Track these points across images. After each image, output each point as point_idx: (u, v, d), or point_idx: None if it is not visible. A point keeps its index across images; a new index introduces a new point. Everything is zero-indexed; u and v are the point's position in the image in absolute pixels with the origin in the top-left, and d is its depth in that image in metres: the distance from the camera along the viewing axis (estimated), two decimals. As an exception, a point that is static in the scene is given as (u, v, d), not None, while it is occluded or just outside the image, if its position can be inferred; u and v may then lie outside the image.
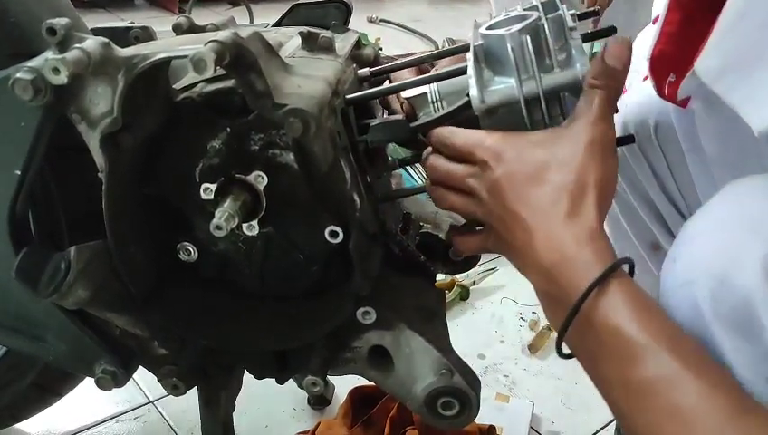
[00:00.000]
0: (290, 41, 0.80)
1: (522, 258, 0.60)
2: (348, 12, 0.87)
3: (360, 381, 0.84)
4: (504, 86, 0.63)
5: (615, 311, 0.52)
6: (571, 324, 0.53)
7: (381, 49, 2.52)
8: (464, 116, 0.67)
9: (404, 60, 0.78)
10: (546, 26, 0.63)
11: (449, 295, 1.59)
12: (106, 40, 0.64)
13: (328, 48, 0.76)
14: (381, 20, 3.81)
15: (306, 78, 0.68)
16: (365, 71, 0.79)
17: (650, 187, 0.91)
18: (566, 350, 0.57)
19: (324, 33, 0.76)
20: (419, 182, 1.81)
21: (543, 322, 1.53)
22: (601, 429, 1.29)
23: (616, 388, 0.52)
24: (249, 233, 0.71)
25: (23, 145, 0.68)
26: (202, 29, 0.82)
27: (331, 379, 1.28)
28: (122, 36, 0.78)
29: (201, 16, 0.89)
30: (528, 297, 1.63)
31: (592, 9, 0.73)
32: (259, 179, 0.68)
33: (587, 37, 0.67)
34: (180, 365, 0.79)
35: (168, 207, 0.74)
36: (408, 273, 0.80)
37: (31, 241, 0.75)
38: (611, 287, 0.52)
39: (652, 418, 0.49)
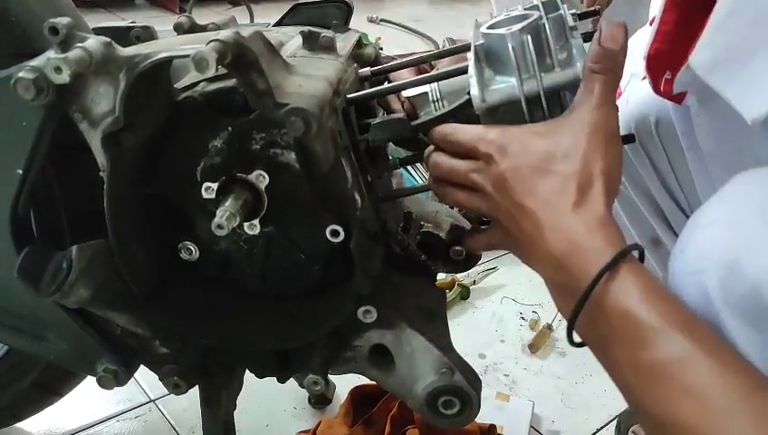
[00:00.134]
0: (291, 40, 0.80)
1: (531, 250, 0.59)
2: (348, 11, 0.87)
3: (361, 380, 0.84)
4: (505, 85, 0.64)
5: (625, 294, 0.52)
6: (582, 311, 0.53)
7: (382, 49, 2.52)
8: (464, 115, 0.67)
9: (404, 60, 0.78)
10: (547, 26, 0.63)
11: (450, 295, 1.59)
12: (108, 39, 0.64)
13: (329, 48, 0.76)
14: (382, 20, 3.81)
15: (307, 77, 0.68)
16: (366, 70, 0.79)
17: (651, 182, 0.92)
18: (577, 339, 0.57)
19: (325, 33, 0.76)
20: (420, 182, 1.82)
21: (544, 321, 1.53)
22: (601, 428, 1.30)
23: (628, 371, 0.52)
24: (250, 232, 0.71)
25: (24, 144, 0.68)
26: (203, 28, 0.82)
27: (332, 378, 1.28)
28: (124, 36, 0.78)
29: (201, 16, 0.89)
30: (528, 297, 1.64)
31: (593, 9, 0.74)
32: (260, 179, 0.68)
33: (588, 36, 0.67)
34: (181, 364, 0.79)
35: (170, 207, 0.74)
36: (409, 272, 0.81)
37: (32, 240, 0.75)
38: (621, 272, 0.52)
39: (666, 398, 0.48)
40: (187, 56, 0.59)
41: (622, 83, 0.85)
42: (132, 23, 0.81)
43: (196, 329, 0.77)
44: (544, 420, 1.30)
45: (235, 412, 0.91)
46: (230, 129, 0.69)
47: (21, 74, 0.62)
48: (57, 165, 0.77)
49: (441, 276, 1.51)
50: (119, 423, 1.23)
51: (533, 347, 1.47)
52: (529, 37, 0.62)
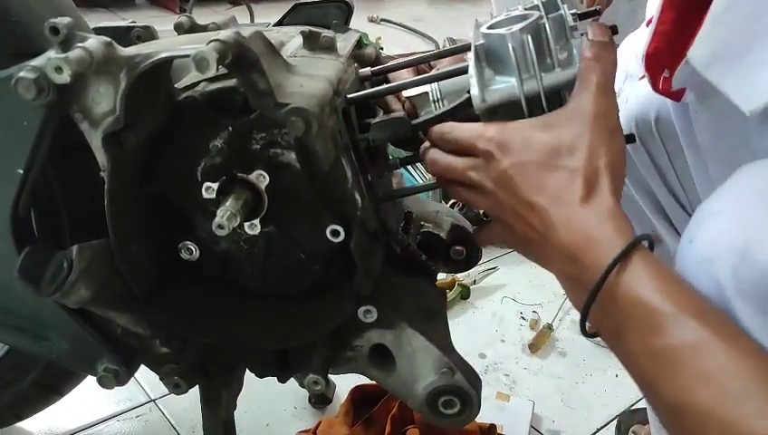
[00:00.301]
0: (291, 40, 0.80)
1: (540, 246, 0.59)
2: (349, 11, 0.87)
3: (361, 379, 0.84)
4: (506, 85, 0.64)
5: (638, 283, 0.52)
6: (595, 302, 0.53)
7: (382, 49, 2.52)
8: (464, 114, 0.67)
9: (405, 59, 0.78)
10: (547, 26, 0.63)
11: (450, 295, 1.59)
12: (108, 39, 0.64)
13: (329, 47, 0.76)
14: (382, 19, 3.81)
15: (308, 77, 0.68)
16: (366, 70, 0.79)
17: (652, 179, 0.92)
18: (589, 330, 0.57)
19: (326, 33, 0.77)
20: (420, 182, 1.82)
21: (544, 321, 1.54)
22: (602, 427, 1.30)
23: (642, 358, 0.52)
24: (251, 232, 0.71)
25: (25, 144, 0.68)
26: (204, 28, 0.82)
27: (332, 377, 1.28)
28: (124, 35, 0.78)
29: (202, 16, 0.89)
30: (529, 296, 1.64)
31: (593, 9, 0.74)
32: (261, 178, 0.68)
33: (588, 36, 0.67)
34: (182, 364, 0.79)
35: (170, 207, 0.74)
36: (410, 272, 0.81)
37: (33, 240, 0.75)
38: (633, 261, 0.52)
39: (681, 384, 0.48)
40: (188, 56, 0.59)
41: (618, 83, 0.86)
42: (133, 22, 0.81)
43: (196, 329, 0.77)
44: (544, 419, 1.30)
45: (235, 412, 0.91)
46: (231, 128, 0.69)
47: (22, 74, 0.62)
48: (58, 165, 0.77)
49: (441, 276, 1.51)
50: (119, 423, 1.23)
51: (534, 347, 1.47)
52: (529, 37, 0.62)
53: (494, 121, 0.64)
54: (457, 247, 0.83)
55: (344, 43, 0.80)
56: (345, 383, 1.24)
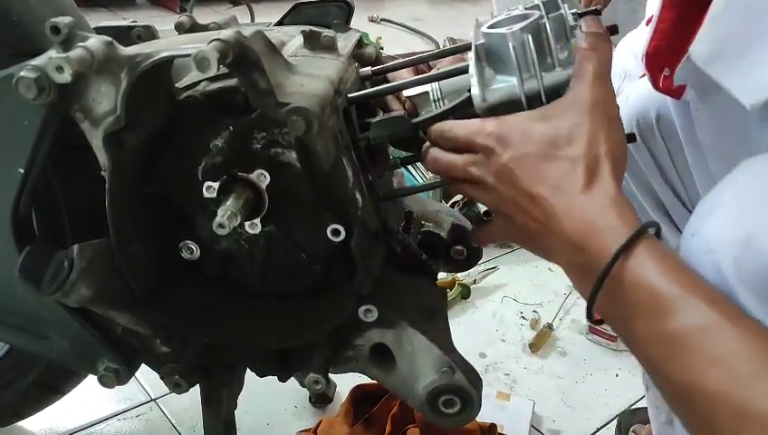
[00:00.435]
0: (292, 40, 0.80)
1: (543, 237, 0.59)
2: (349, 11, 0.88)
3: (362, 379, 0.84)
4: (506, 85, 0.64)
5: (645, 269, 0.52)
6: (602, 289, 0.53)
7: (383, 48, 2.52)
8: (464, 113, 0.67)
9: (405, 59, 0.78)
10: (548, 25, 0.63)
11: (450, 294, 1.59)
12: (109, 39, 0.64)
13: (330, 47, 0.76)
14: (383, 19, 3.82)
15: (308, 77, 0.68)
16: (367, 70, 0.79)
17: (653, 177, 0.92)
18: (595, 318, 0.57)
19: (326, 33, 0.77)
20: (420, 181, 1.82)
21: (544, 320, 1.54)
22: (602, 427, 1.30)
23: (650, 343, 0.51)
24: (251, 231, 0.71)
25: (26, 144, 0.68)
26: (204, 28, 0.82)
27: (333, 377, 1.28)
28: (125, 35, 0.78)
29: (202, 15, 0.89)
30: (529, 296, 1.64)
31: (593, 9, 0.74)
32: (261, 178, 0.69)
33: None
34: (182, 363, 0.79)
35: (171, 206, 0.74)
36: (410, 271, 0.81)
37: (34, 239, 0.75)
38: (640, 248, 0.52)
39: (691, 367, 0.48)
40: (189, 55, 0.59)
41: (616, 83, 0.86)
42: (133, 22, 0.81)
43: (196, 328, 0.77)
44: (545, 419, 1.30)
45: (235, 411, 0.91)
46: (231, 128, 0.69)
47: (22, 73, 0.62)
48: (58, 164, 0.77)
49: (442, 276, 1.51)
50: (119, 422, 1.23)
51: (534, 346, 1.47)
52: (530, 36, 0.62)
53: None
54: (458, 247, 0.83)
55: (345, 43, 0.80)
56: (345, 383, 1.24)
